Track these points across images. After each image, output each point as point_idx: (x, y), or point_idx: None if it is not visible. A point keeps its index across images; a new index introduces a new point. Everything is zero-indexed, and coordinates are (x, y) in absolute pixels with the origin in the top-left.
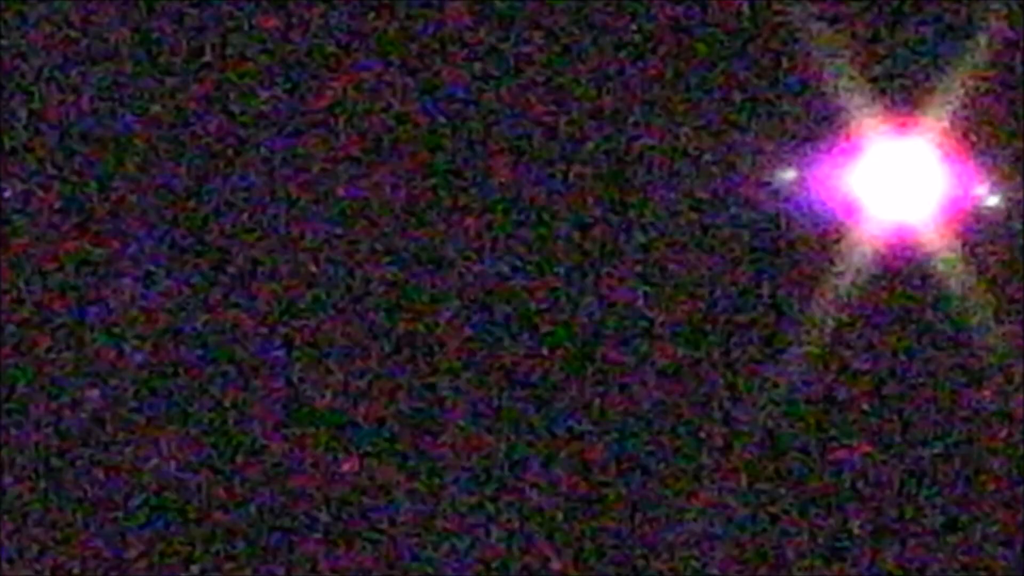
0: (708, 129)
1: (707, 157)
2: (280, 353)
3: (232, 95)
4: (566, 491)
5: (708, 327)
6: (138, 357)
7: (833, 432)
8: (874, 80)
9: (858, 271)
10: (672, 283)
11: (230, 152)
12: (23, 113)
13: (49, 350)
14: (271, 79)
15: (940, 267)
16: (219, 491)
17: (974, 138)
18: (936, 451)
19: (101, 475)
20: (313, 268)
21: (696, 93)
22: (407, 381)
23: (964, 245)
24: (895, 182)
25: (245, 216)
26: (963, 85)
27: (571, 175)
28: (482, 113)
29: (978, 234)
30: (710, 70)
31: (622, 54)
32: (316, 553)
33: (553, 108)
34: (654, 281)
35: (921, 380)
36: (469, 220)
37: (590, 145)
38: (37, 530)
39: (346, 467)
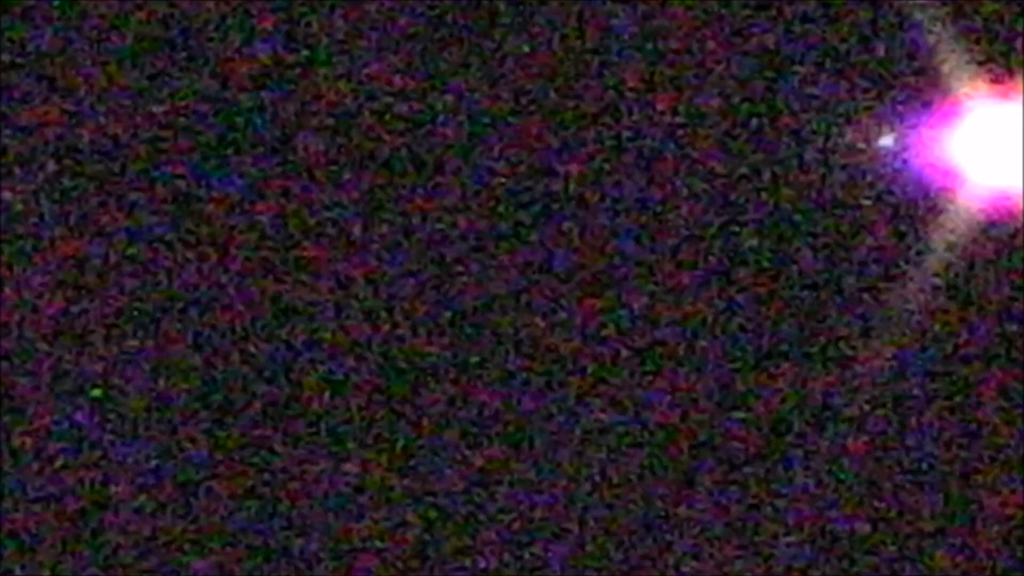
0: (807, 95)
1: (807, 124)
2: (279, 353)
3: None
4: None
5: (806, 295)
6: (137, 355)
7: (934, 403)
8: (974, 44)
9: (958, 237)
10: (771, 251)
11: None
12: (23, 114)
13: (48, 351)
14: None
15: None
16: (219, 491)
17: None
18: None
19: (99, 475)
20: (313, 268)
21: (794, 58)
22: (406, 381)
23: None
24: (995, 147)
25: (244, 216)
26: None
27: (674, 136)
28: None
29: None
30: (809, 35)
31: (720, 21)
32: (315, 554)
33: (650, 67)
34: (751, 249)
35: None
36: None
37: (688, 108)
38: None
39: (347, 468)
